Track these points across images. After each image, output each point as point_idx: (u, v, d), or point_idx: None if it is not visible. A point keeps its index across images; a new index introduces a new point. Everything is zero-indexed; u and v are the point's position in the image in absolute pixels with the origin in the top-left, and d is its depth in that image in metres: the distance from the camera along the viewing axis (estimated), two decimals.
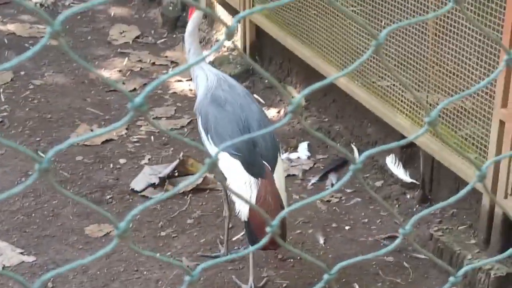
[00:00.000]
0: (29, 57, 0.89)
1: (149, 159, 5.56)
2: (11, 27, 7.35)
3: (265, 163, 4.20)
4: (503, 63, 1.15)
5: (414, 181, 5.10)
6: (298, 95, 1.05)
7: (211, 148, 4.27)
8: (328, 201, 5.22)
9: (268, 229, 1.15)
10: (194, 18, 4.56)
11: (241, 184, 4.10)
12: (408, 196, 5.14)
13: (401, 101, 4.91)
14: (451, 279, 1.27)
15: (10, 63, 0.90)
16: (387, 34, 1.13)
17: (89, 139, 5.73)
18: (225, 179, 4.13)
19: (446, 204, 1.36)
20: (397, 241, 1.19)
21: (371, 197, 5.14)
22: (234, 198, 4.21)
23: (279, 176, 4.23)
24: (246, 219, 4.13)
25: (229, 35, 0.92)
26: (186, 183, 4.56)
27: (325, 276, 1.25)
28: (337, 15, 5.47)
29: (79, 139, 1.01)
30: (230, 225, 4.75)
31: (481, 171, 1.16)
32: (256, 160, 4.19)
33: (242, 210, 4.14)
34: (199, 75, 4.49)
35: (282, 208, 4.19)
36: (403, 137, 5.04)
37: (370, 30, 1.05)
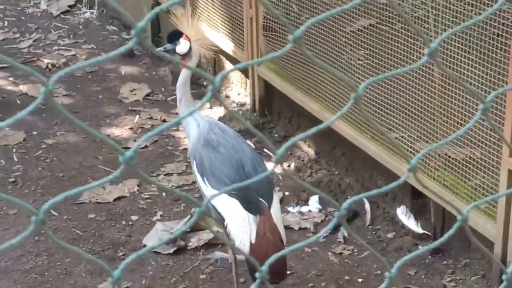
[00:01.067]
0: (25, 115, 0.94)
1: (161, 215, 5.58)
2: (23, 87, 7.50)
3: (262, 200, 4.35)
4: (479, 112, 1.21)
5: (426, 232, 5.11)
6: (282, 147, 1.11)
7: (207, 190, 4.45)
8: (341, 253, 5.23)
9: (257, 274, 1.19)
10: (185, 71, 4.83)
11: (241, 222, 4.30)
12: (420, 247, 5.11)
13: (410, 152, 4.94)
14: None
15: (6, 122, 0.96)
16: (365, 87, 1.19)
17: (100, 196, 5.83)
18: (225, 229, 4.35)
19: (440, 243, 1.39)
20: (384, 284, 1.23)
21: (384, 249, 5.20)
22: (234, 236, 4.34)
23: (276, 211, 4.42)
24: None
25: (215, 91, 0.97)
26: (179, 232, 4.71)
27: None
28: (344, 69, 5.55)
29: (74, 191, 1.06)
30: (243, 280, 4.79)
31: (463, 215, 1.21)
32: (253, 198, 4.36)
33: (242, 248, 4.31)
34: (190, 122, 4.70)
35: (281, 241, 4.42)
36: (413, 188, 5.12)
37: (350, 83, 1.10)
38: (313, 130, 1.22)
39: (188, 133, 4.76)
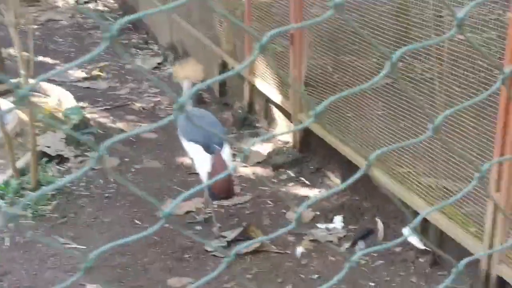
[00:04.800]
0: (121, 140, 0.81)
1: (219, 227, 5.38)
2: (119, 124, 7.41)
3: (216, 146, 5.06)
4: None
5: (426, 248, 4.87)
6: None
7: (185, 143, 5.25)
8: (357, 262, 4.94)
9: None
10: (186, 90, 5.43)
11: (203, 158, 5.06)
12: (421, 260, 4.91)
13: (416, 185, 4.74)
14: None
15: (105, 144, 0.81)
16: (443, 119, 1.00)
17: (174, 212, 5.63)
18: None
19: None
20: None
21: (393, 260, 4.95)
22: (198, 169, 5.17)
23: (226, 153, 5.10)
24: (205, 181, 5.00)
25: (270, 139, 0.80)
26: (244, 246, 4.52)
27: None
28: (368, 118, 5.38)
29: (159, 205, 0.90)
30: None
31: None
32: (210, 145, 5.09)
33: (203, 176, 5.07)
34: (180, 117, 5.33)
35: (227, 169, 4.88)
36: (417, 213, 4.85)
37: (429, 113, 0.92)
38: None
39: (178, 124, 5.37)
